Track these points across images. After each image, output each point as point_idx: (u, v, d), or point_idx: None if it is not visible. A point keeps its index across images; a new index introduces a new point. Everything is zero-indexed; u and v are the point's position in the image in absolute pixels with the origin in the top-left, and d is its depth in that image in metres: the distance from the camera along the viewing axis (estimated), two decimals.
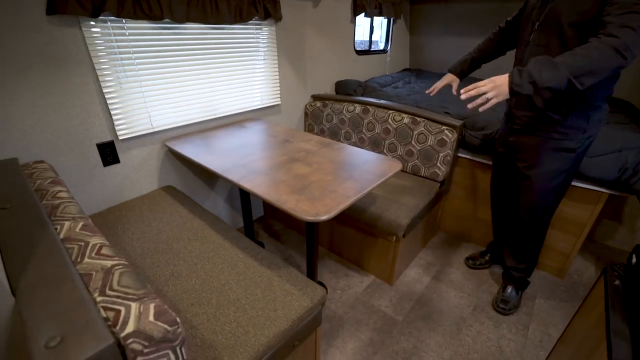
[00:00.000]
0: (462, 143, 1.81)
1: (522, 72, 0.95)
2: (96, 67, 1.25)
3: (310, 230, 1.41)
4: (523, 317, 1.52)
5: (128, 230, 1.27)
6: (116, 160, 1.43)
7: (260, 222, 2.23)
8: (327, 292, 1.66)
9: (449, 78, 1.50)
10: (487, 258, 1.81)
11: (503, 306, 1.54)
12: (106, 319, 0.54)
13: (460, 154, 1.86)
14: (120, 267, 0.64)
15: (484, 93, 1.01)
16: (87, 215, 1.37)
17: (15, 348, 0.52)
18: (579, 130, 1.16)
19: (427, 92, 1.54)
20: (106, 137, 1.37)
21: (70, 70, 1.20)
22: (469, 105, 1.05)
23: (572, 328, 1.00)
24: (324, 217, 0.95)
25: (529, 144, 1.27)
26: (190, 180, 1.77)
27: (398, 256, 1.62)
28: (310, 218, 0.95)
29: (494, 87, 0.99)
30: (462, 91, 1.06)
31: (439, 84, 1.50)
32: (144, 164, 1.53)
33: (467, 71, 1.49)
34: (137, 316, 0.55)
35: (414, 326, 1.47)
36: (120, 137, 1.39)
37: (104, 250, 0.68)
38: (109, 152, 1.39)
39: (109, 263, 0.65)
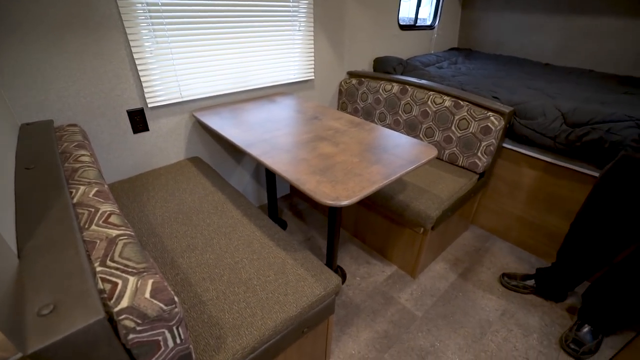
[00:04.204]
0: (509, 133, 1.63)
1: None
2: (127, 31, 1.23)
3: (332, 215, 1.35)
4: (559, 331, 1.39)
5: (152, 198, 1.29)
6: (145, 128, 1.44)
7: (285, 200, 2.21)
8: (345, 278, 1.61)
9: None
10: (529, 283, 1.54)
11: (575, 347, 1.28)
12: (102, 291, 0.52)
13: (505, 145, 1.68)
14: (125, 237, 0.63)
15: None
16: (117, 180, 1.44)
17: (14, 310, 0.52)
18: None
19: None
20: (136, 105, 1.37)
21: (102, 34, 1.20)
22: None
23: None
24: (344, 202, 0.88)
25: None
26: (217, 152, 1.76)
27: (424, 249, 1.52)
28: (330, 202, 0.88)
29: None
30: None
31: None
32: (172, 133, 1.53)
33: None
34: (134, 291, 0.52)
35: (434, 324, 1.39)
36: (150, 105, 1.39)
37: (112, 219, 0.67)
38: (138, 120, 1.40)
39: (114, 232, 0.63)
